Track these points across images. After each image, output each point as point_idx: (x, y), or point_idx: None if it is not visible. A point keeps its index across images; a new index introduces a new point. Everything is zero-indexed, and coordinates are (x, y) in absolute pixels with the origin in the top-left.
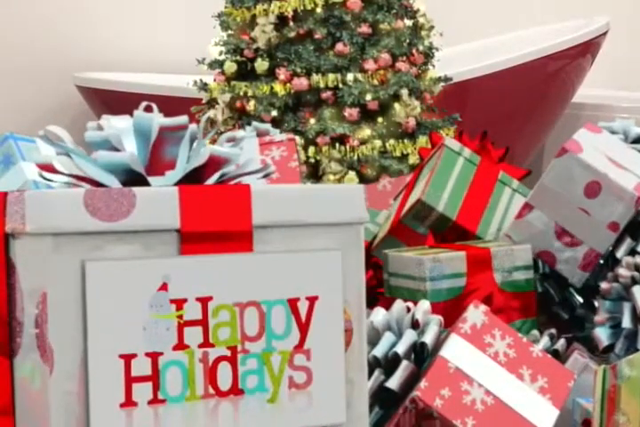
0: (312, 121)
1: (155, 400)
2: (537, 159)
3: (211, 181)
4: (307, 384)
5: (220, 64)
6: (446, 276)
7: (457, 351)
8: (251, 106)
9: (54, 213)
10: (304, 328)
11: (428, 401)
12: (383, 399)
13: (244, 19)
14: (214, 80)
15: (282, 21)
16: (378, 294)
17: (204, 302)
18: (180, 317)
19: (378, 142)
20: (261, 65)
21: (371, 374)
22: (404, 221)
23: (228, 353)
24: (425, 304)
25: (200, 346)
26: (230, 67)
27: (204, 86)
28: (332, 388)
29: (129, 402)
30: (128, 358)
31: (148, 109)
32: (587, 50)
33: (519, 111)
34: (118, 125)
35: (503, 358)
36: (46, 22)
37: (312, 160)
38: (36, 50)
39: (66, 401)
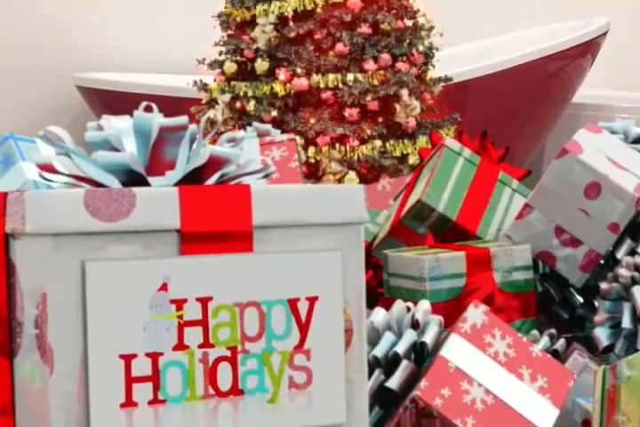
0: (312, 121)
1: (155, 400)
2: (537, 159)
3: (211, 181)
4: (307, 384)
5: (220, 64)
6: (446, 276)
7: (457, 351)
8: (251, 106)
9: (54, 214)
10: (304, 328)
11: (428, 401)
12: (383, 399)
13: (244, 19)
14: (214, 80)
15: (282, 21)
16: (378, 294)
17: (204, 302)
18: (180, 317)
19: (378, 142)
20: (261, 65)
21: (371, 373)
22: (404, 222)
23: (228, 353)
24: (425, 304)
25: (200, 346)
26: (230, 67)
27: (204, 86)
28: (332, 388)
29: (129, 402)
30: (128, 359)
31: (148, 110)
32: (587, 50)
33: (519, 111)
34: (118, 126)
35: (503, 357)
36: (46, 22)
37: (312, 160)
38: (36, 50)
39: (66, 401)
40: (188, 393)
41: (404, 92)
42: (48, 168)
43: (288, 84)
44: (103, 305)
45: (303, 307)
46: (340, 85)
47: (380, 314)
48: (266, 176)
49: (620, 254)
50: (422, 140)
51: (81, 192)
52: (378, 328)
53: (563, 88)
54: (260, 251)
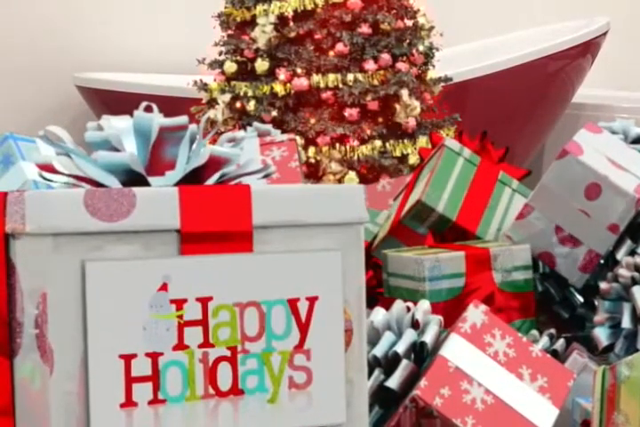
0: (312, 121)
1: (155, 400)
2: (537, 159)
3: (211, 181)
4: (307, 384)
5: (220, 64)
6: (445, 276)
7: (457, 351)
8: (251, 106)
9: (54, 214)
10: (304, 328)
11: (428, 400)
12: (383, 399)
13: (244, 19)
14: (214, 80)
15: (282, 21)
16: (378, 294)
17: (204, 302)
18: (180, 317)
19: (378, 142)
20: (261, 65)
21: (371, 373)
22: (403, 222)
23: (228, 353)
24: (425, 304)
25: (200, 346)
26: (230, 67)
27: (204, 86)
28: (331, 388)
29: (129, 402)
30: (128, 359)
31: (148, 110)
32: (587, 50)
33: (519, 111)
34: (118, 126)
35: (503, 357)
36: (46, 22)
37: (312, 160)
38: (36, 50)
39: (66, 401)
40: (188, 393)
41: (404, 93)
42: (48, 168)
43: (288, 84)
44: (103, 305)
45: (303, 307)
46: (340, 85)
47: (379, 314)
48: (266, 176)
49: (619, 255)
50: (422, 141)
51: (81, 192)
52: (378, 328)
53: (563, 88)
54: (260, 251)
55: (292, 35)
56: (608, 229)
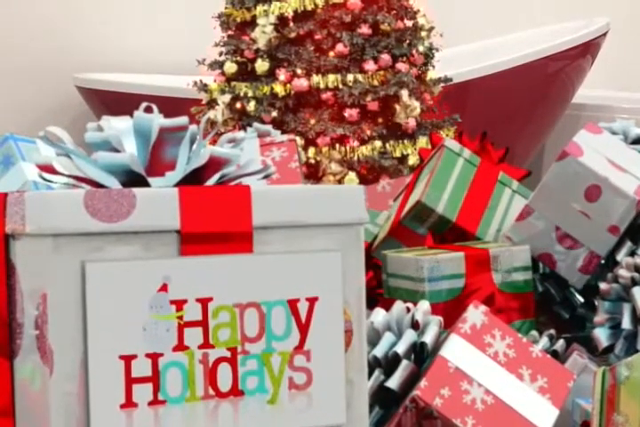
0: (312, 122)
1: (155, 401)
2: (537, 160)
3: (211, 181)
4: (307, 385)
5: (221, 65)
6: (445, 277)
7: (457, 351)
8: (251, 107)
9: (54, 214)
10: (304, 329)
11: (428, 400)
12: (383, 399)
13: (244, 19)
14: (214, 81)
15: (282, 22)
16: (378, 294)
17: (203, 302)
18: (180, 318)
19: (378, 143)
20: (262, 66)
21: (371, 374)
22: (403, 223)
23: (228, 354)
24: (425, 305)
25: (200, 347)
26: (230, 67)
27: (204, 87)
28: (332, 389)
29: (129, 403)
30: (128, 359)
31: (148, 110)
32: (587, 51)
33: (519, 112)
34: (118, 126)
35: (503, 358)
36: (46, 22)
37: (312, 161)
38: (36, 50)
39: (66, 402)
40: (188, 394)
41: (404, 93)
42: (48, 169)
43: (288, 85)
44: (103, 306)
45: (303, 308)
46: (340, 86)
47: (379, 315)
48: (266, 177)
49: (620, 257)
50: (422, 141)
51: (81, 193)
52: (378, 329)
53: (563, 89)
54: (260, 251)
55: (292, 35)
56: (608, 230)
